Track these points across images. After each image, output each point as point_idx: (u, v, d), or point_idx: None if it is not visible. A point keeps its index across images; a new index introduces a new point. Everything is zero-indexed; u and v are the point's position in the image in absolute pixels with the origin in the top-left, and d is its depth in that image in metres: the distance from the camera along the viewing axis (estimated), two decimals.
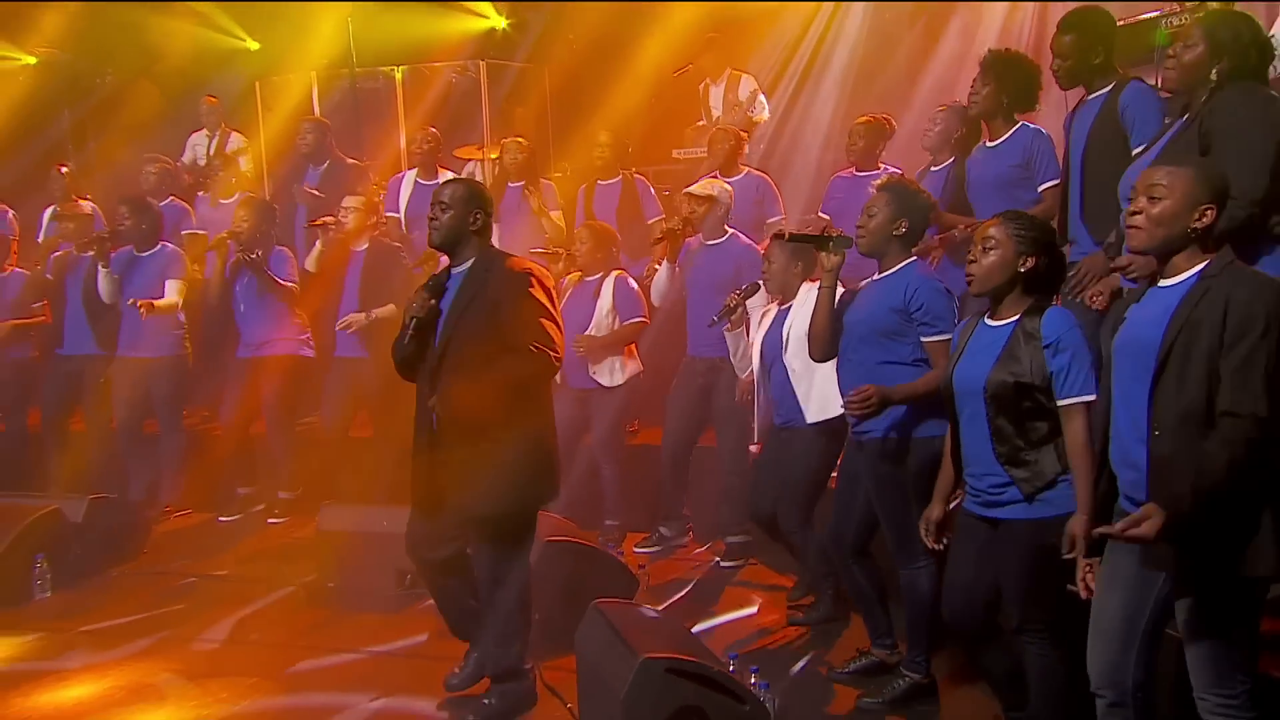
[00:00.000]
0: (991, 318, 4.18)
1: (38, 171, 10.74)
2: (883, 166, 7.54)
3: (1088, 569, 3.66)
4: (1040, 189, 5.95)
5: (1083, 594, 3.67)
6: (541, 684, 5.37)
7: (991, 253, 4.09)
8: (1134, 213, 3.46)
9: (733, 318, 6.18)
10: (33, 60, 12.88)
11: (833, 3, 10.25)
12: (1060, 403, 3.96)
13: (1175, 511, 3.18)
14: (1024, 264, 4.06)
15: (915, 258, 5.04)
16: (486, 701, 5.09)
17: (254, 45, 12.59)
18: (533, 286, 4.93)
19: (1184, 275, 3.41)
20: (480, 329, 4.84)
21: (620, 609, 5.08)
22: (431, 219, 4.97)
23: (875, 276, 5.07)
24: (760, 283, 6.13)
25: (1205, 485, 3.19)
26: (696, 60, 10.08)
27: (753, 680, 4.59)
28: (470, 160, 10.69)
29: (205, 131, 10.98)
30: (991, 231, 4.13)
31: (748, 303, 6.34)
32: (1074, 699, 4.07)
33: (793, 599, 6.27)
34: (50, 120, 11.97)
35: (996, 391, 4.02)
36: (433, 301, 4.91)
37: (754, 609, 6.38)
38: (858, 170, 7.55)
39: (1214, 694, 3.37)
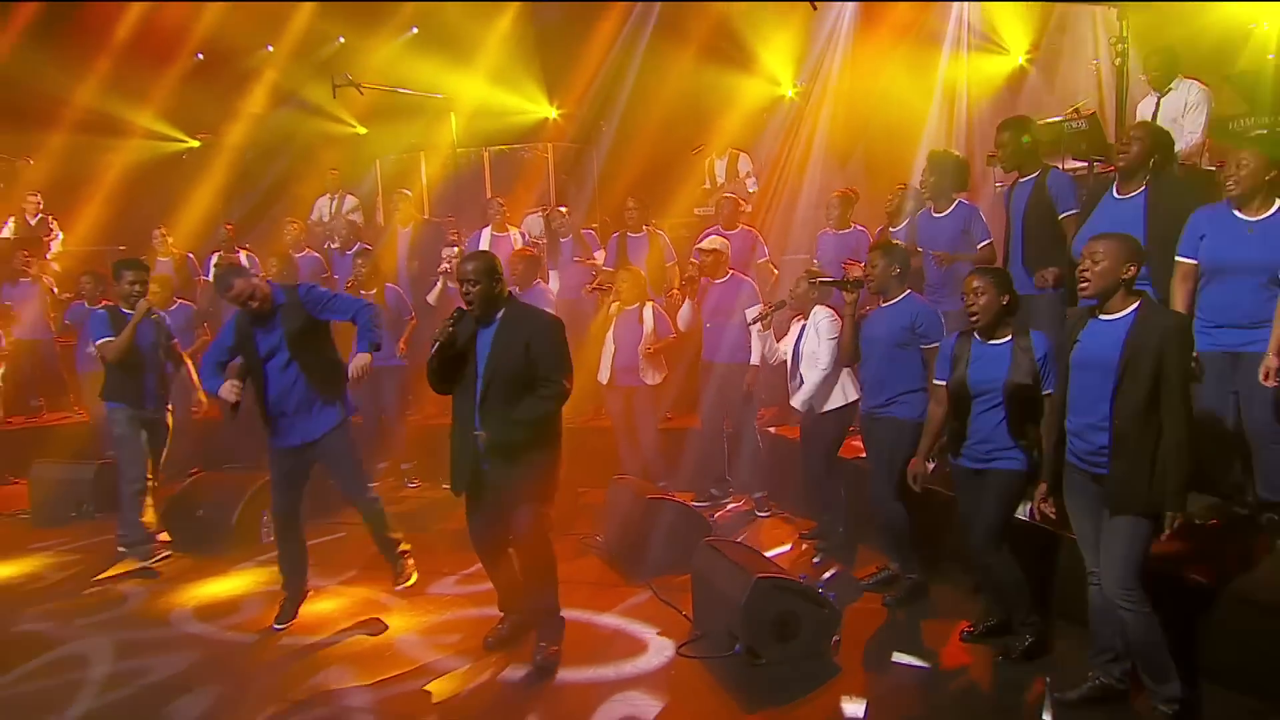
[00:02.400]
0: (986, 338, 4.68)
1: (209, 227, 11.06)
2: (853, 225, 8.05)
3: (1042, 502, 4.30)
4: (979, 246, 6.52)
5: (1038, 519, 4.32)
6: (657, 596, 5.73)
7: (983, 296, 4.62)
8: (1083, 270, 4.02)
9: (764, 322, 6.69)
10: (196, 144, 13.18)
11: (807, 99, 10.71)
12: (1045, 393, 4.50)
13: (1177, 509, 3.84)
14: (1004, 300, 4.63)
15: (910, 290, 5.58)
16: (544, 644, 4.96)
17: (362, 130, 12.89)
18: (557, 333, 4.86)
19: (1121, 313, 3.97)
20: (516, 366, 4.74)
21: (725, 544, 5.49)
22: (465, 292, 4.82)
23: (883, 305, 5.57)
24: (785, 300, 6.62)
25: (1182, 482, 3.83)
26: (706, 141, 10.44)
27: (821, 591, 5.03)
28: (531, 215, 10.91)
29: (328, 195, 11.34)
30: (977, 284, 4.65)
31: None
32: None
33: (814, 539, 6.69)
34: (211, 189, 12.13)
35: (1012, 389, 4.56)
36: (451, 329, 4.78)
37: (788, 546, 6.74)
38: (835, 229, 8.06)
39: (1121, 598, 3.94)
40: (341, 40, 12.91)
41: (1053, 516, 4.32)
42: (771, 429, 7.81)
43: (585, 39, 11.37)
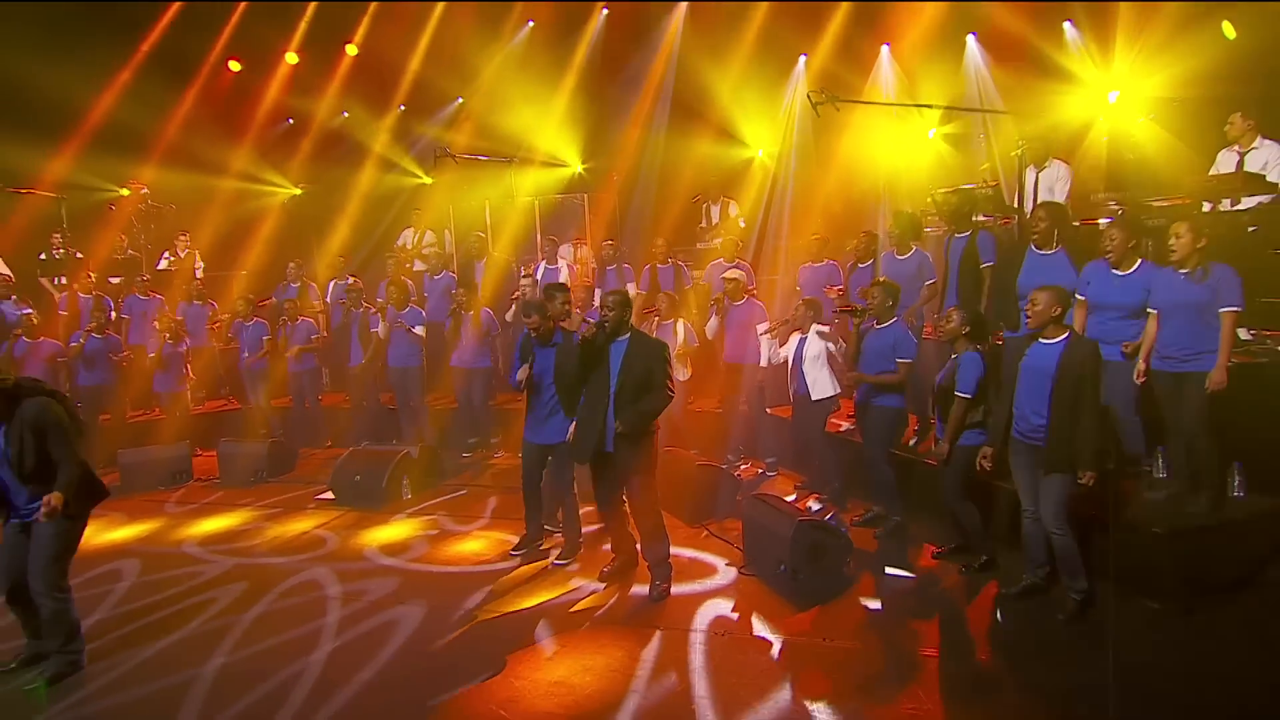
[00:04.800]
0: (955, 354, 5.56)
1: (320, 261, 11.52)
2: (825, 260, 8.60)
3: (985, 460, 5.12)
4: (926, 284, 7.31)
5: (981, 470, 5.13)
6: (713, 535, 6.42)
7: (950, 324, 5.49)
8: (1028, 309, 4.87)
9: (773, 331, 7.34)
10: (298, 191, 13.49)
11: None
12: (959, 392, 5.37)
13: (1096, 467, 4.62)
14: (964, 329, 5.49)
15: (898, 317, 6.33)
16: (658, 583, 5.51)
17: (429, 180, 13.11)
18: (665, 354, 5.46)
19: (1057, 339, 4.79)
20: (638, 376, 5.34)
21: (768, 496, 6.20)
22: (603, 316, 5.43)
23: (877, 327, 6.26)
24: (788, 320, 7.18)
25: (1093, 447, 4.63)
26: (702, 191, 11.02)
27: (839, 527, 5.79)
28: (577, 248, 11.20)
29: (412, 229, 11.77)
30: (955, 316, 5.52)
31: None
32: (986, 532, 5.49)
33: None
34: (326, 230, 12.42)
35: (940, 390, 5.49)
36: (596, 332, 5.34)
37: (793, 496, 7.31)
38: (813, 263, 8.67)
39: (1054, 527, 4.79)
40: (403, 108, 13.36)
41: (988, 469, 5.15)
42: (769, 411, 8.44)
43: (612, 112, 11.99)
